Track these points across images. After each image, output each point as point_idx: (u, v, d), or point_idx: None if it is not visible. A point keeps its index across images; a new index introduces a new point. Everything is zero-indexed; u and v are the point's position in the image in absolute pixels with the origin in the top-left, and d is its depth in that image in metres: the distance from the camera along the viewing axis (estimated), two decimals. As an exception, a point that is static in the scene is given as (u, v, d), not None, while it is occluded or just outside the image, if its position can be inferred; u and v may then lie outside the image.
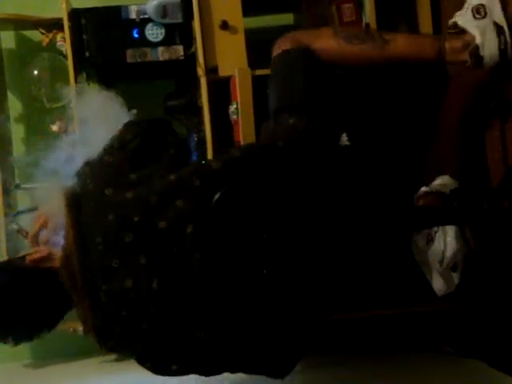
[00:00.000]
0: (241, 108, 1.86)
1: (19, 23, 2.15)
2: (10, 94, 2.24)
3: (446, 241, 1.65)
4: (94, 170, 1.25)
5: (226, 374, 1.29)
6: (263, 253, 1.17)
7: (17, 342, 1.25)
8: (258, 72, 1.85)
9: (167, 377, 1.25)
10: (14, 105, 2.26)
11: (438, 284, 1.71)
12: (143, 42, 1.97)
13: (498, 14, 1.51)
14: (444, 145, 1.76)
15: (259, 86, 1.65)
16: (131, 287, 1.15)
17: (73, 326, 1.92)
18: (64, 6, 1.96)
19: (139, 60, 1.97)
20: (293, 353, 1.27)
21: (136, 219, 1.16)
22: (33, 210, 1.35)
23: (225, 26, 1.92)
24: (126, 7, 1.98)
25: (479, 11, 1.49)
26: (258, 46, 1.70)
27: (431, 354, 1.86)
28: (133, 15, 1.98)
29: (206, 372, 1.27)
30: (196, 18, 1.92)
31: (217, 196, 1.15)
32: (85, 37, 1.96)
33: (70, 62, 1.95)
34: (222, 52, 1.94)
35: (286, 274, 1.19)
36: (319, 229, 1.21)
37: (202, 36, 1.92)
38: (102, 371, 1.88)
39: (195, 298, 1.16)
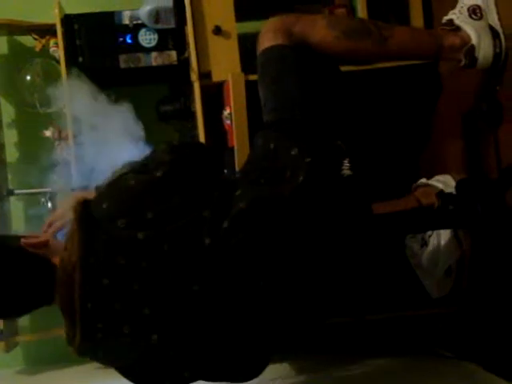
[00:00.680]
0: (234, 113, 1.86)
1: (12, 28, 2.15)
2: (2, 99, 2.24)
3: (440, 244, 1.66)
4: (113, 193, 1.22)
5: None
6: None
7: None
8: (252, 77, 1.84)
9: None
10: (7, 110, 2.25)
11: (432, 287, 1.71)
12: (136, 47, 1.98)
13: (493, 19, 1.52)
14: (444, 146, 1.77)
15: (253, 91, 1.65)
16: (128, 333, 1.14)
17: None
18: (57, 11, 1.96)
19: (132, 65, 1.97)
20: (266, 359, 1.27)
21: (144, 265, 1.13)
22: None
23: (218, 31, 1.92)
24: (119, 13, 1.99)
25: (475, 12, 1.50)
26: (251, 51, 1.69)
27: (427, 358, 1.86)
28: (126, 21, 1.98)
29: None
30: (189, 23, 1.92)
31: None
32: (78, 42, 1.96)
33: (62, 68, 1.94)
34: (215, 57, 1.94)
35: (283, 285, 1.18)
36: (313, 241, 1.20)
37: (195, 41, 1.92)
38: (96, 378, 1.87)
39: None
